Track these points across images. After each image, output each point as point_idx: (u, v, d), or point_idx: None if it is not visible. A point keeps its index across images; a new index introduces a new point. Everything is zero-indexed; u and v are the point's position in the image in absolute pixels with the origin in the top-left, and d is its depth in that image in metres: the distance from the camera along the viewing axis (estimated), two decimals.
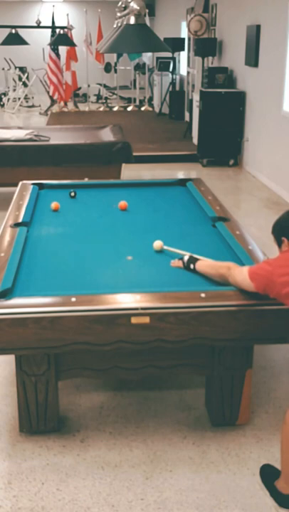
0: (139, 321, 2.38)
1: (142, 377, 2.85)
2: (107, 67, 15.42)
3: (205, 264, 2.72)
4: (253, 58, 7.65)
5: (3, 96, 15.47)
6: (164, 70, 12.98)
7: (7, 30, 10.48)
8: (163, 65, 13.01)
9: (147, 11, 4.75)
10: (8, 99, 15.01)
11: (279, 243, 2.44)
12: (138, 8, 3.35)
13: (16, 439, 2.75)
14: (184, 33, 12.16)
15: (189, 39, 11.57)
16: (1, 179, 5.86)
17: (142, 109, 14.21)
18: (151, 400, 3.03)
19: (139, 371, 2.71)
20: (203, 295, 2.46)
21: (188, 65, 12.04)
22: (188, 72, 12.09)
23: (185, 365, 2.74)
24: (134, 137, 8.71)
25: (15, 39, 10.34)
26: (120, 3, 5.54)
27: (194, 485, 2.48)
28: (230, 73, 8.71)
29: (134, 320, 2.38)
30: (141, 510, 2.35)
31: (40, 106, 14.63)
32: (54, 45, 12.16)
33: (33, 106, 14.96)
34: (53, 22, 13.39)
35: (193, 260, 2.76)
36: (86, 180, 4.60)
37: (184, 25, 12.08)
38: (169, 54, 11.75)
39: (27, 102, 15.29)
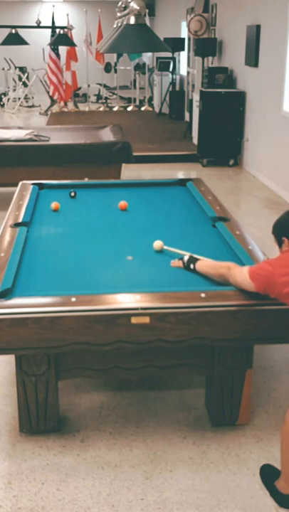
0: (139, 321, 2.38)
1: (142, 377, 2.85)
2: (107, 67, 15.42)
3: (205, 264, 2.72)
4: (253, 58, 7.65)
5: (3, 96, 15.47)
6: (164, 70, 12.98)
7: (7, 30, 10.49)
8: (163, 65, 13.01)
9: (147, 11, 4.75)
10: (8, 99, 15.01)
11: (279, 243, 2.44)
12: (138, 8, 3.35)
13: (16, 439, 2.75)
14: (184, 33, 12.16)
15: (189, 39, 11.57)
16: (1, 179, 5.86)
17: (142, 109, 14.20)
18: (151, 399, 3.03)
19: (139, 371, 2.71)
20: (203, 295, 2.46)
21: (188, 65, 12.04)
22: (188, 72, 12.09)
23: (185, 365, 2.74)
24: (134, 137, 8.71)
25: (15, 39, 10.34)
26: (120, 3, 5.54)
27: (194, 485, 2.48)
28: (230, 73, 8.71)
29: (134, 320, 2.38)
30: (141, 510, 2.35)
31: (40, 106, 14.63)
32: (54, 45, 12.16)
33: (33, 106, 14.96)
34: (53, 22, 13.40)
35: (193, 260, 2.76)
36: (86, 180, 4.59)
37: (183, 25, 12.08)
38: (169, 54, 11.75)
39: (27, 102, 15.29)
